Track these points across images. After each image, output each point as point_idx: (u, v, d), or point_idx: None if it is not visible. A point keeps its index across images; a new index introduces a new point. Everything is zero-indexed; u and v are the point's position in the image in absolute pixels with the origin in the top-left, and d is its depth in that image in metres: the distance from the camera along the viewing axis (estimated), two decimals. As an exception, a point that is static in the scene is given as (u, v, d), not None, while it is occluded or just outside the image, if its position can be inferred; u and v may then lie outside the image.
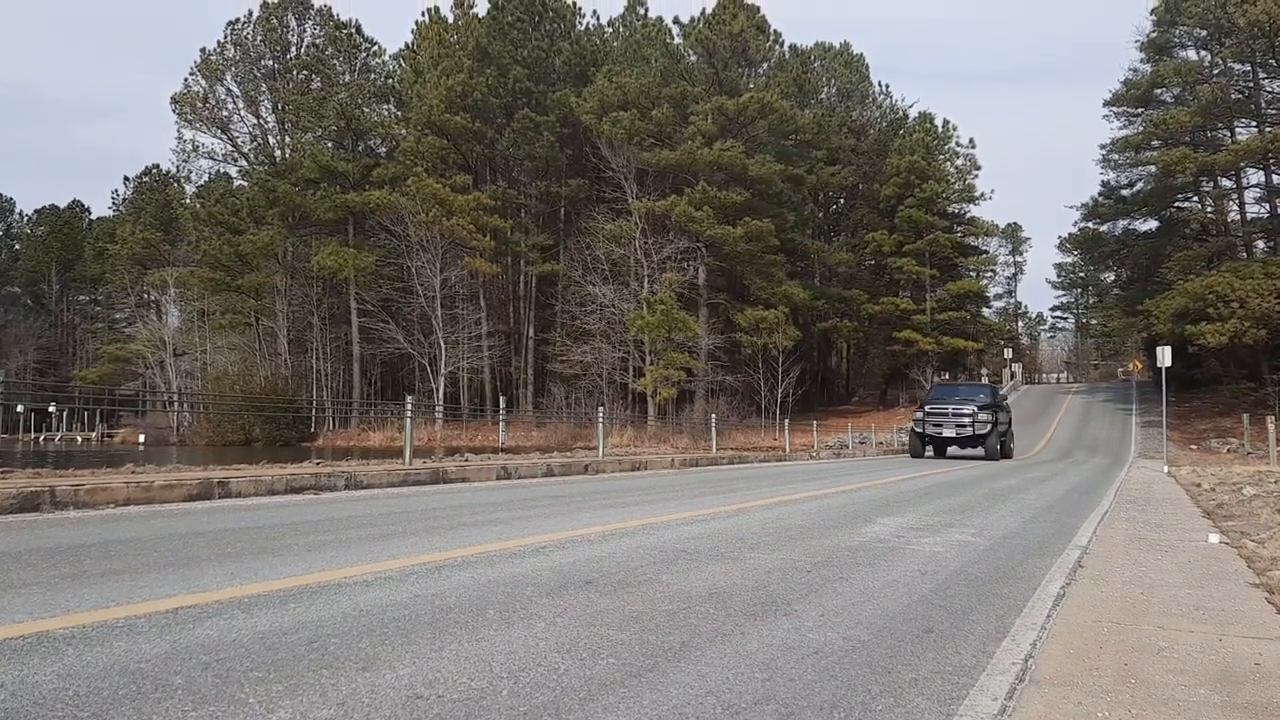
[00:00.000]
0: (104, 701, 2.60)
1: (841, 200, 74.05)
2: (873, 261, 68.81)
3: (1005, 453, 28.15)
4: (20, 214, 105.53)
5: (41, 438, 71.88)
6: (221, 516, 7.11)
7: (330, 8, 63.18)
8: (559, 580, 4.71)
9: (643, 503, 9.40)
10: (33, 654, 3.04)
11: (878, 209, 67.34)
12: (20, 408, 69.14)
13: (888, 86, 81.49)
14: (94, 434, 72.16)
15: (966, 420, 26.91)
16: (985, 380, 50.75)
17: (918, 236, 64.50)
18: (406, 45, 62.09)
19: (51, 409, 72.26)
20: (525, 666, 3.10)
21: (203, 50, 62.11)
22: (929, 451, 28.89)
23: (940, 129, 70.53)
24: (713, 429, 27.65)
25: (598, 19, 65.92)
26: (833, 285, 63.64)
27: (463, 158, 56.75)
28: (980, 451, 27.87)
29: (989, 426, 26.73)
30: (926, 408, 28.19)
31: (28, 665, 2.91)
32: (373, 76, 62.72)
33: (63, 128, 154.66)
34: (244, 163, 65.65)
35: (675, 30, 58.63)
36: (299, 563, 4.99)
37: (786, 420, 34.68)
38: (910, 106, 74.37)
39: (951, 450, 28.91)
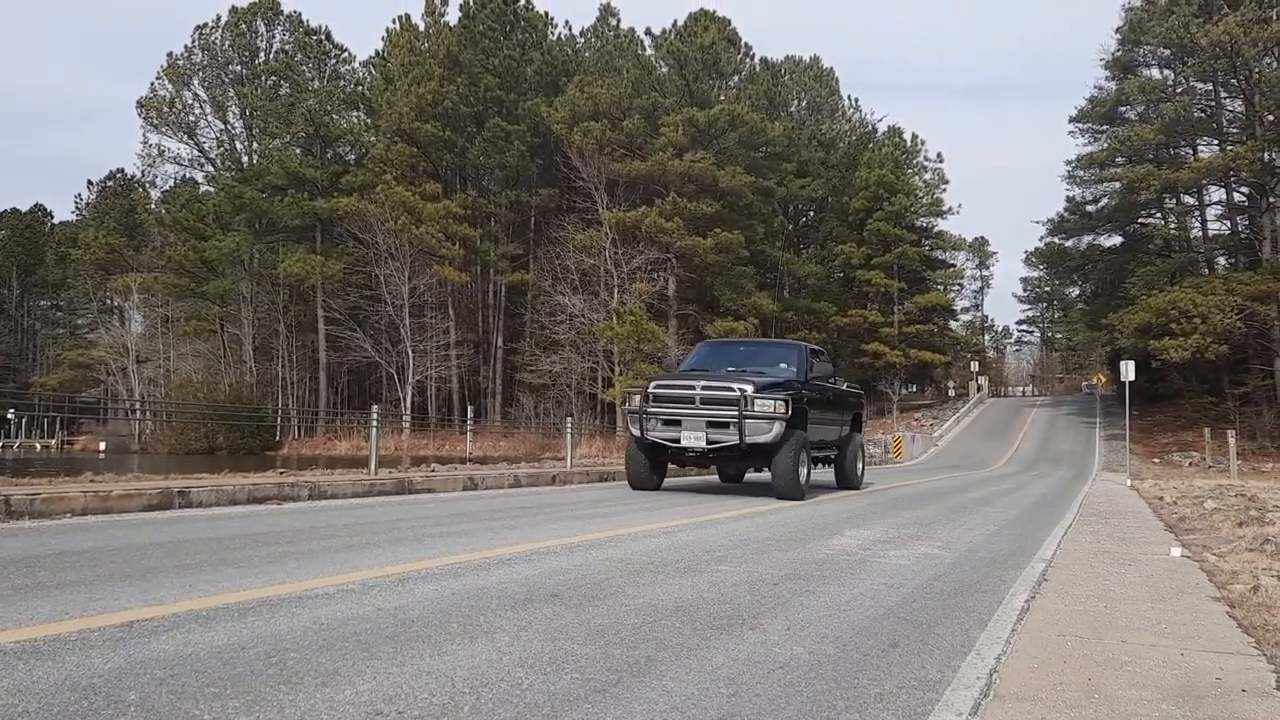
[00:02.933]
0: (54, 718, 2.54)
1: (811, 213, 74.39)
2: (841, 274, 69.23)
3: (843, 479, 15.28)
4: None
5: None
6: (182, 527, 7.00)
7: (300, 14, 62.79)
8: (524, 593, 4.66)
9: (610, 514, 9.36)
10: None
11: (847, 222, 67.76)
12: (-22, 414, 68.02)
13: (857, 101, 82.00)
14: (53, 442, 71.09)
15: (727, 416, 12.31)
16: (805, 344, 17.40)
17: (886, 249, 64.96)
18: (377, 52, 61.78)
19: (10, 416, 71.10)
20: (488, 682, 3.06)
21: (170, 54, 61.54)
22: (703, 473, 16.87)
23: (909, 143, 71.15)
24: (681, 440, 27.55)
25: (569, 29, 65.81)
26: (802, 297, 63.88)
27: (433, 166, 56.56)
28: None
29: (777, 428, 12.15)
30: (655, 388, 13.29)
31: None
32: (342, 83, 62.35)
33: (26, 130, 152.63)
34: (210, 168, 65.04)
35: (647, 41, 58.75)
36: (259, 574, 4.91)
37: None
38: (879, 121, 74.98)
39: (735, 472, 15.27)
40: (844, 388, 15.62)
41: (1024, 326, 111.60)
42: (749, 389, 12.11)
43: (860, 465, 15.79)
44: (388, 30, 60.41)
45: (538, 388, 51.72)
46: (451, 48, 55.41)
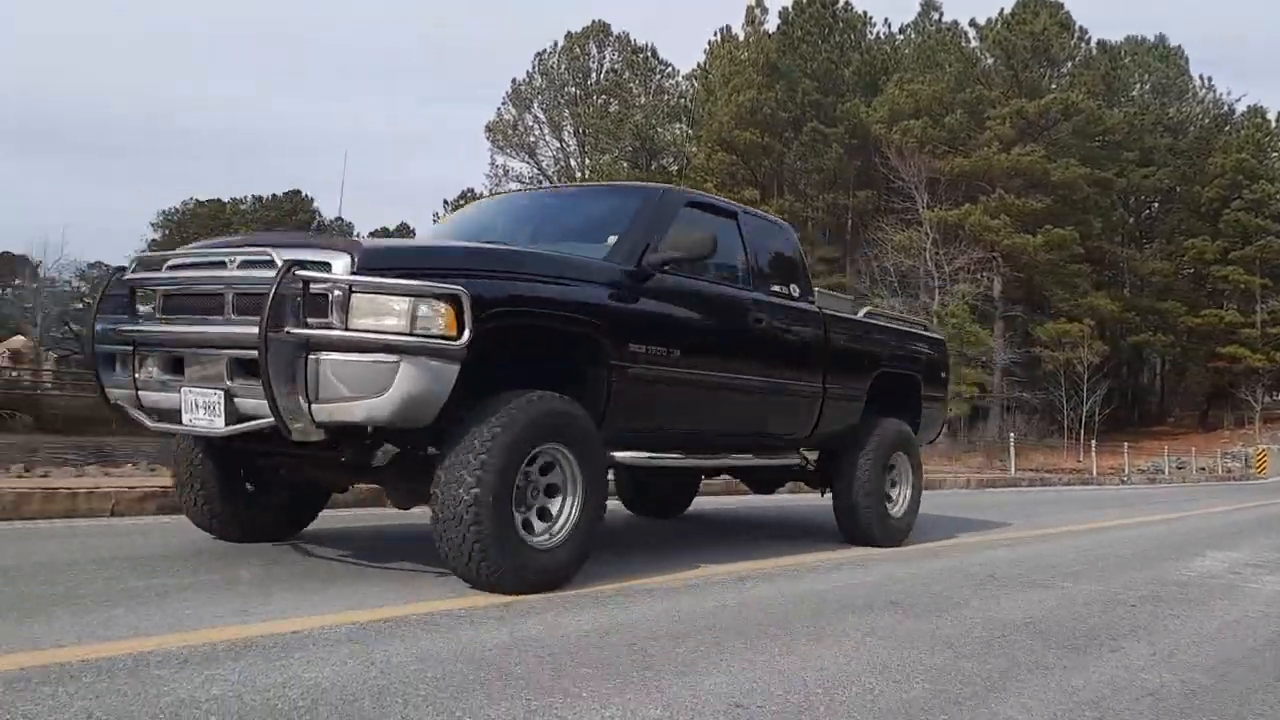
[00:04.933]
0: (457, 686, 2.85)
1: (1155, 204, 68.53)
2: (1191, 270, 63.22)
3: (850, 520, 6.79)
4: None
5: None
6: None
7: (628, 34, 65.78)
8: (864, 599, 4.68)
9: (938, 523, 9.14)
10: (392, 637, 3.38)
11: (1198, 213, 61.83)
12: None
13: (1210, 80, 74.27)
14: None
15: (231, 335, 4.18)
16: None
17: (1246, 242, 58.66)
18: (699, 65, 63.61)
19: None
20: (838, 684, 3.11)
21: (513, 81, 66.34)
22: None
23: (1273, 124, 63.91)
24: (1010, 448, 26.38)
25: (889, 27, 64.49)
26: (1145, 296, 59.06)
27: (751, 172, 57.37)
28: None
29: (403, 384, 3.91)
30: (146, 273, 4.73)
31: (390, 647, 3.24)
32: (666, 97, 64.71)
33: (392, 157, 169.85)
34: (548, 184, 69.66)
35: (971, 33, 56.60)
36: (610, 567, 5.23)
37: (1092, 441, 32.55)
38: (1236, 101, 67.66)
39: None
40: (838, 313, 7.12)
41: None
42: (339, 262, 4.03)
43: (902, 491, 7.23)
44: (709, 42, 62.10)
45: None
46: (770, 55, 56.00)
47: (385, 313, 3.92)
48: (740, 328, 5.86)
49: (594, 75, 65.48)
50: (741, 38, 59.30)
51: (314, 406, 3.89)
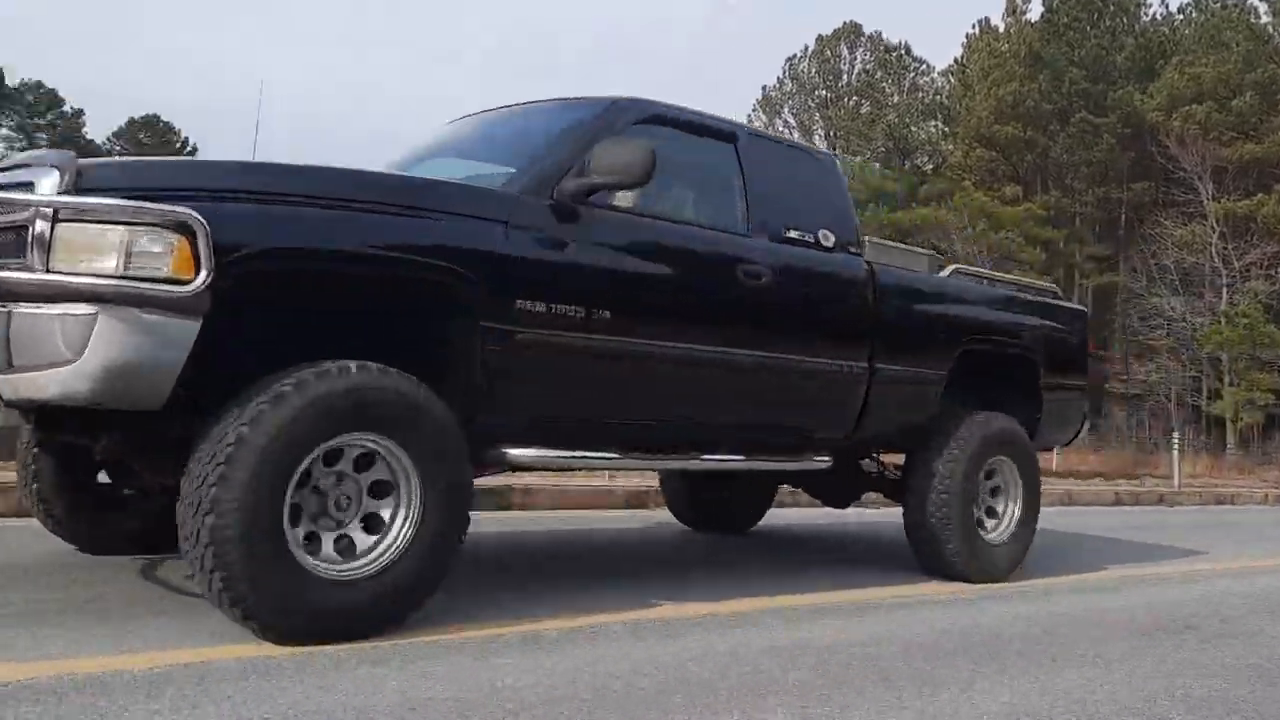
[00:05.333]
0: (753, 675, 3.13)
1: None
2: None
3: (924, 541, 5.39)
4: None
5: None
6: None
7: (880, 33, 64.74)
8: (1149, 621, 4.61)
9: (1237, 542, 8.63)
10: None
11: None
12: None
13: None
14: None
15: None
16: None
17: None
18: (955, 60, 61.69)
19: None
20: (1132, 712, 3.10)
21: (764, 87, 66.75)
22: None
23: None
24: (1314, 461, 24.08)
25: (1166, 7, 60.25)
26: None
27: (1012, 168, 55.06)
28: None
29: (103, 348, 2.89)
30: None
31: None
32: (921, 95, 63.21)
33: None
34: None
35: (1262, 8, 52.06)
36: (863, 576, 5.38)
37: None
38: None
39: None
40: (901, 268, 5.68)
41: None
42: (46, 180, 3.01)
43: (1006, 508, 5.66)
44: (967, 36, 60.16)
45: (1129, 398, 47.98)
46: (1033, 45, 53.66)
47: (95, 248, 2.93)
48: (720, 285, 4.45)
49: (845, 77, 64.86)
50: (1002, 29, 57.15)
51: (2, 378, 2.97)
